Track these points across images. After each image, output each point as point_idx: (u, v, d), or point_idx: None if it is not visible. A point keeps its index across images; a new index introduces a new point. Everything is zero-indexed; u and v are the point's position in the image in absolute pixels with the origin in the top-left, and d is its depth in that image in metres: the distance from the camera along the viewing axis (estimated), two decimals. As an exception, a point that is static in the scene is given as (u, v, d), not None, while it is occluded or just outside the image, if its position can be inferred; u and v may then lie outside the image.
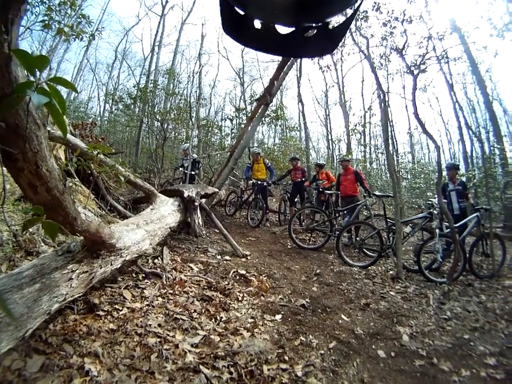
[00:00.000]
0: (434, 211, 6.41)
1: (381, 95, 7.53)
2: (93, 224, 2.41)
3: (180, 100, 16.68)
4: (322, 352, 2.97)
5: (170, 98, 18.22)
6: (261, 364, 2.57)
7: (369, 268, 6.28)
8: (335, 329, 3.52)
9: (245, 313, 3.51)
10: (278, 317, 3.61)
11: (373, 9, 7.30)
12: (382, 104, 7.65)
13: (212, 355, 2.56)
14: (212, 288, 4.02)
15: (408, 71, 6.75)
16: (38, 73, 1.03)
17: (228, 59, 28.17)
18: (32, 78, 1.04)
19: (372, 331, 3.60)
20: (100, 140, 8.04)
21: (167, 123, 14.44)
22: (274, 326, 3.36)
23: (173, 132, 18.15)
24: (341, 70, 23.86)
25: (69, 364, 2.14)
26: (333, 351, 3.02)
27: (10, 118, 1.27)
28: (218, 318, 3.27)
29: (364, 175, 9.97)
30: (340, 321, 3.76)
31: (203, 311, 3.33)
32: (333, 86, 25.42)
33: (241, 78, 27.34)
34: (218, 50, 30.03)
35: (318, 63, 8.91)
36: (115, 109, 19.63)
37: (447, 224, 6.09)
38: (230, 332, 3.03)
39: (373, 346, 3.25)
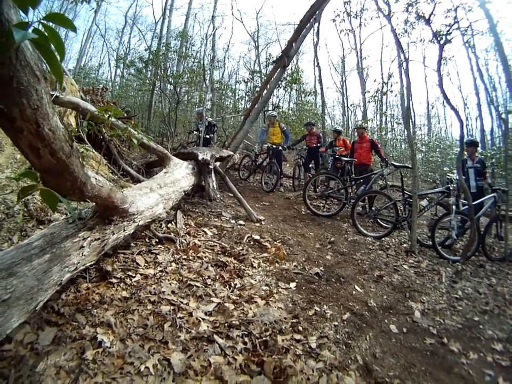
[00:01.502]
0: (452, 187, 6.22)
1: (403, 63, 7.19)
2: (104, 189, 2.31)
3: (193, 62, 16.31)
4: (336, 323, 2.94)
5: (183, 61, 17.76)
6: (275, 334, 2.54)
7: (383, 239, 6.18)
8: (348, 300, 3.48)
9: (259, 280, 3.48)
10: (293, 285, 3.58)
11: None
12: (403, 73, 7.31)
13: (226, 324, 2.53)
14: (226, 254, 3.99)
15: (434, 40, 6.40)
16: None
17: (242, 22, 27.27)
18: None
19: (384, 304, 3.56)
20: (112, 104, 7.90)
21: (180, 86, 14.19)
22: (289, 295, 3.33)
23: (186, 95, 17.86)
24: (359, 36, 22.98)
25: (82, 335, 2.12)
26: (346, 323, 2.99)
27: (4, 69, 1.11)
28: (232, 284, 3.25)
29: (380, 144, 9.73)
30: (354, 292, 3.72)
31: (217, 277, 3.31)
32: (351, 52, 24.53)
33: (256, 41, 26.56)
34: (232, 13, 28.94)
35: (339, 25, 8.53)
36: (127, 74, 19.35)
37: (464, 201, 5.94)
38: (245, 299, 3.00)
39: (386, 321, 3.22)
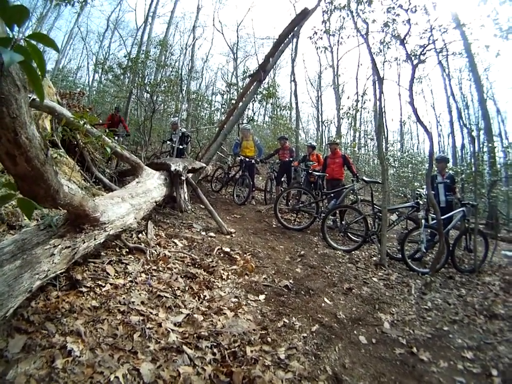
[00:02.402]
0: (421, 201, 6.45)
1: (377, 81, 7.45)
2: (76, 197, 2.30)
3: (171, 72, 16.37)
4: (305, 335, 2.98)
5: (162, 70, 17.81)
6: (244, 345, 2.56)
7: (353, 252, 6.32)
8: (317, 312, 3.53)
9: (228, 292, 3.50)
10: (262, 297, 3.61)
11: None
12: (377, 90, 7.58)
13: (195, 335, 2.54)
14: (196, 265, 3.99)
15: (407, 60, 6.67)
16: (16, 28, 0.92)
17: (222, 33, 27.45)
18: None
19: (354, 316, 3.63)
20: (87, 110, 7.82)
21: (157, 95, 14.17)
22: (258, 307, 3.36)
23: (162, 105, 17.85)
24: (337, 53, 23.54)
25: (51, 344, 2.08)
26: (315, 335, 3.04)
27: (-15, 79, 1.12)
28: (201, 296, 3.24)
29: (352, 159, 9.97)
30: (323, 304, 3.78)
31: (187, 289, 3.30)
32: (328, 68, 25.08)
33: (235, 54, 26.81)
34: (214, 24, 29.18)
35: (316, 42, 8.75)
36: (104, 79, 19.17)
37: (433, 215, 6.15)
38: (214, 311, 3.00)
39: (355, 332, 3.28)
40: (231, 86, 16.90)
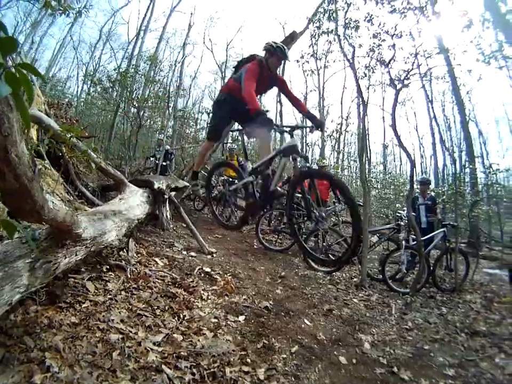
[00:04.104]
0: (402, 223, 6.58)
1: (361, 104, 7.66)
2: (60, 213, 2.30)
3: (159, 88, 16.48)
4: (285, 356, 2.99)
5: (150, 86, 17.93)
6: (224, 366, 2.56)
7: (334, 273, 6.36)
8: (297, 333, 3.55)
9: (208, 313, 3.47)
10: (241, 318, 3.61)
11: (365, 20, 7.40)
12: (361, 114, 7.78)
13: (174, 354, 2.52)
14: (176, 285, 3.95)
15: (391, 84, 6.89)
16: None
17: (212, 51, 27.74)
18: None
19: (334, 337, 3.67)
20: (74, 121, 7.79)
21: (144, 110, 14.20)
22: (237, 327, 3.35)
23: (149, 120, 17.88)
24: (323, 75, 24.22)
25: (30, 358, 2.05)
26: (295, 356, 3.06)
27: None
28: (181, 316, 3.22)
29: (336, 181, 10.06)
30: (303, 325, 3.80)
31: (166, 308, 3.27)
32: (314, 90, 25.67)
33: (223, 72, 27.10)
34: (204, 42, 29.48)
35: (303, 66, 8.98)
36: (93, 91, 19.17)
37: (414, 236, 6.27)
38: (193, 331, 2.99)
39: (335, 353, 3.31)
40: None
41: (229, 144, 10.97)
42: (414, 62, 7.08)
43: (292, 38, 8.45)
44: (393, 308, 4.96)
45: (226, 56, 28.14)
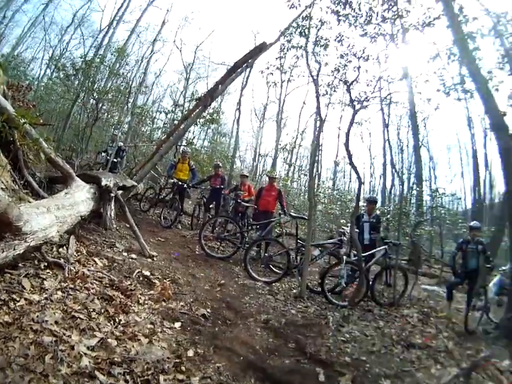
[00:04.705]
0: (345, 238, 6.80)
1: (318, 121, 7.90)
2: (2, 204, 2.24)
3: (122, 82, 16.06)
4: (220, 365, 3.03)
5: (113, 78, 17.36)
6: (158, 373, 2.57)
7: (273, 284, 6.44)
8: (234, 342, 3.59)
9: (144, 318, 3.47)
10: (177, 324, 3.63)
11: (335, 40, 7.59)
12: (317, 130, 8.01)
13: (108, 360, 2.50)
14: (114, 287, 3.89)
15: (350, 104, 7.12)
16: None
17: (180, 51, 27.20)
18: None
19: (270, 347, 3.73)
20: (31, 106, 7.39)
21: (103, 103, 13.78)
22: (173, 334, 3.37)
23: (106, 114, 17.29)
24: (286, 88, 24.60)
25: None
26: (230, 365, 3.10)
27: None
28: (117, 320, 3.20)
29: (284, 193, 10.28)
30: (239, 334, 3.85)
31: (102, 311, 3.23)
32: (275, 101, 25.97)
33: (188, 74, 26.78)
34: (174, 41, 28.87)
35: (267, 77, 9.09)
36: (55, 77, 18.25)
37: (355, 252, 6.49)
38: (128, 336, 2.97)
39: (270, 362, 3.37)
40: (177, 106, 16.86)
41: (182, 147, 10.90)
42: (375, 86, 7.41)
43: (260, 49, 8.57)
44: (330, 320, 4.99)
45: (194, 57, 27.87)
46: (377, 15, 7.33)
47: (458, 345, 5.19)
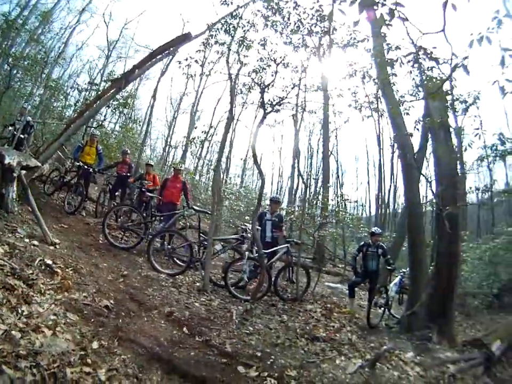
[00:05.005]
0: (248, 235, 7.06)
1: (229, 118, 8.13)
2: None
3: (40, 49, 14.58)
4: (125, 357, 3.08)
5: (32, 45, 15.75)
6: (64, 366, 2.58)
7: (177, 276, 6.54)
8: (138, 334, 3.66)
9: (47, 309, 3.40)
10: (81, 316, 3.60)
11: (259, 43, 7.79)
12: (227, 126, 8.24)
13: (13, 353, 2.47)
14: (16, 276, 3.74)
15: (262, 106, 7.38)
16: None
17: (107, 26, 25.35)
18: None
19: (175, 339, 3.86)
20: None
21: (17, 70, 12.55)
22: (77, 326, 3.34)
23: (19, 83, 15.68)
24: (205, 82, 24.57)
25: None
26: (136, 357, 3.18)
27: None
28: (20, 311, 3.11)
29: (190, 186, 10.37)
30: (144, 327, 3.92)
31: (4, 302, 3.13)
32: (191, 93, 25.69)
33: (110, 51, 25.29)
34: (104, 14, 26.77)
35: (183, 69, 9.02)
36: None
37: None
38: (32, 328, 2.93)
39: (176, 354, 3.50)
40: (92, 85, 15.93)
41: (92, 129, 10.47)
42: (290, 92, 7.76)
43: (184, 39, 8.51)
44: (234, 313, 5.18)
45: (120, 36, 26.43)
46: (304, 28, 7.67)
47: (362, 338, 5.71)
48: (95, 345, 3.12)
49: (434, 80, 5.96)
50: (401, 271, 9.36)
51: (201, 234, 7.32)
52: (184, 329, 4.22)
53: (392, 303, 8.23)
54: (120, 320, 3.88)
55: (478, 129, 6.74)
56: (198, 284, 6.45)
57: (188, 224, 7.73)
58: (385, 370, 4.36)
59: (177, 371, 3.24)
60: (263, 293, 6.57)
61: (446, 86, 6.60)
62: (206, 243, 6.83)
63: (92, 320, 3.63)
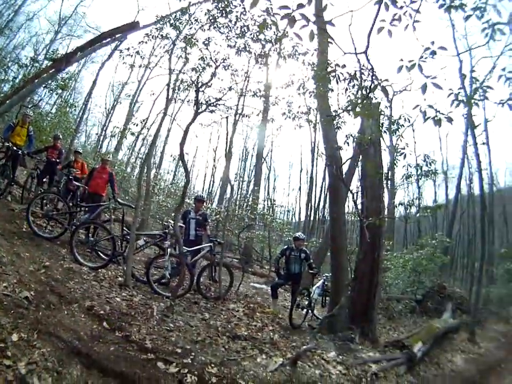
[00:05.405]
0: (170, 231, 7.08)
1: (164, 113, 8.19)
2: None
3: None
4: (45, 350, 3.10)
5: None
6: (-16, 359, 2.54)
7: (99, 270, 6.43)
8: (58, 327, 3.65)
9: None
10: (0, 307, 3.54)
11: (203, 42, 7.88)
12: (162, 121, 8.31)
13: None
14: None
15: (195, 105, 7.54)
16: None
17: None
18: None
19: (95, 334, 3.88)
20: None
21: None
22: (-5, 318, 3.25)
23: None
24: (149, 74, 24.41)
25: None
26: (55, 351, 3.19)
27: None
28: None
29: (116, 179, 10.23)
30: (64, 320, 3.89)
31: None
32: (133, 82, 25.35)
33: (60, 27, 23.76)
34: None
35: (124, 58, 8.84)
36: None
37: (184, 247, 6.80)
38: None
39: (95, 349, 3.54)
40: (35, 62, 14.95)
41: (28, 110, 9.95)
42: (225, 94, 8.03)
43: (131, 27, 8.36)
44: (155, 309, 5.19)
45: (73, 13, 24.96)
46: (250, 33, 7.89)
47: (284, 338, 5.94)
48: (14, 337, 3.10)
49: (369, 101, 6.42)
50: (324, 275, 10.00)
51: (124, 228, 7.30)
52: (105, 323, 4.22)
53: (315, 305, 8.68)
54: (40, 313, 3.82)
55: (403, 149, 7.25)
56: (120, 279, 6.38)
57: (112, 217, 7.57)
58: (306, 369, 4.58)
59: (97, 366, 3.29)
60: (185, 290, 6.66)
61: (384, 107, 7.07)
62: (129, 237, 6.77)
63: (12, 311, 3.56)
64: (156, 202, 16.19)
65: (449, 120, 4.00)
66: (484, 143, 19.86)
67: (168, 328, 4.69)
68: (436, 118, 4.06)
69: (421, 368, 6.08)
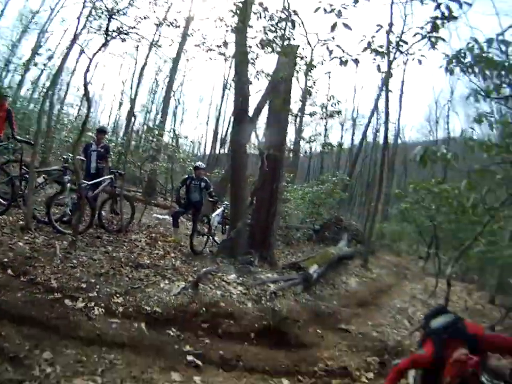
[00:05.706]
0: (70, 166, 6.60)
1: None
2: None
3: None
4: None
5: None
6: None
7: (0, 217, 5.88)
8: None
9: None
10: None
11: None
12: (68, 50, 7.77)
13: None
14: None
15: (104, 31, 6.74)
16: None
17: None
18: None
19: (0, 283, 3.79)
20: None
21: None
22: None
23: None
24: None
25: None
26: None
27: None
28: None
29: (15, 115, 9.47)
30: None
31: None
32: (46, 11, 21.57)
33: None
34: None
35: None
36: None
37: (85, 181, 6.49)
38: None
39: (3, 298, 3.54)
40: None
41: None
42: (139, 22, 7.19)
43: None
44: (57, 248, 4.94)
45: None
46: None
47: (185, 263, 6.09)
48: None
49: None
50: (224, 203, 10.41)
51: (23, 167, 6.63)
52: (9, 271, 4.08)
53: (215, 232, 9.05)
54: None
55: (311, 87, 7.47)
56: (21, 223, 5.83)
57: (10, 158, 6.87)
58: (208, 290, 4.85)
59: (7, 315, 3.32)
60: (87, 225, 6.39)
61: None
62: (27, 176, 6.29)
63: None
64: (58, 139, 15.18)
65: (356, 61, 4.38)
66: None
67: (72, 265, 4.63)
68: (342, 59, 4.40)
69: (317, 288, 6.81)
